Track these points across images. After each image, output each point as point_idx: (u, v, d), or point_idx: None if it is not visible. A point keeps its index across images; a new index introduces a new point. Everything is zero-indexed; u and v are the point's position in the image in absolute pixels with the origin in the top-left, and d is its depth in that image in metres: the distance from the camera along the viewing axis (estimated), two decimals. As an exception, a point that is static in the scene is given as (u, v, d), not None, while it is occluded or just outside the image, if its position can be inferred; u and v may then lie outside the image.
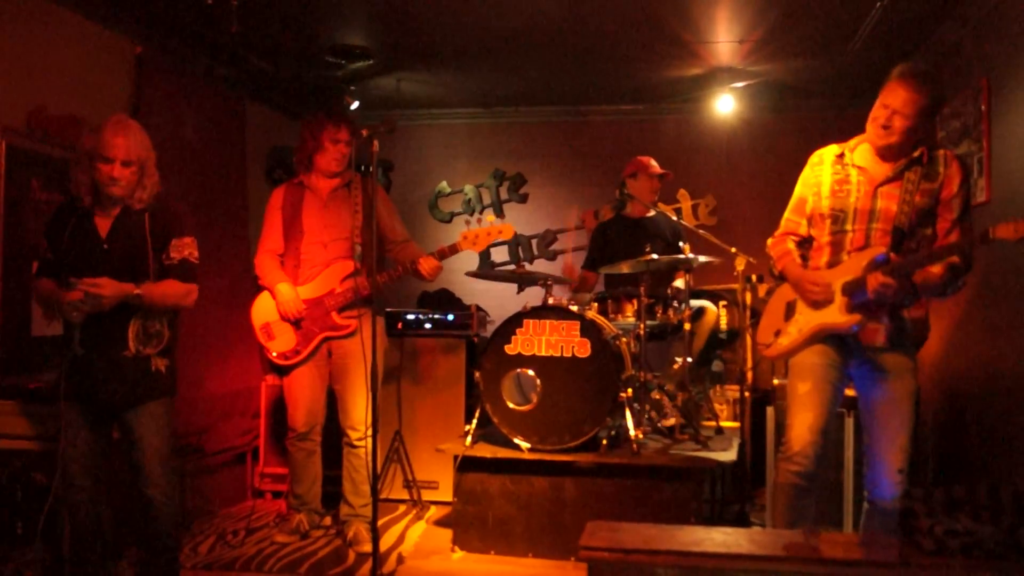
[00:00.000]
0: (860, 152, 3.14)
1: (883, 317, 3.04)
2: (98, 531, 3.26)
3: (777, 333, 3.28)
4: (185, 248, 3.28)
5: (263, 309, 4.33)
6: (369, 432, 4.19)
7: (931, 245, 3.04)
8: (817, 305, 3.11)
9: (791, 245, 3.29)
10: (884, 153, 3.07)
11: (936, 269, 2.94)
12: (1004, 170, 4.16)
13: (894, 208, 3.03)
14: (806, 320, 3.15)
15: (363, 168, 5.74)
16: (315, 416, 4.37)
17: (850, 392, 3.27)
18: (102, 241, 3.17)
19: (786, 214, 3.33)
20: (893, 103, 2.96)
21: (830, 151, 3.21)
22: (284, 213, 4.38)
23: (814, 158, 3.26)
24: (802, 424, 3.07)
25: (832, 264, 3.13)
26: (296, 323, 4.26)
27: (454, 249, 4.17)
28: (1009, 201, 4.06)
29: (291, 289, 4.23)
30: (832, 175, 3.16)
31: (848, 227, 3.09)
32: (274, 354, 4.31)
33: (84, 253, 3.14)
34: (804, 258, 3.27)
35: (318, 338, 4.26)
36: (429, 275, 4.21)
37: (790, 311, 3.25)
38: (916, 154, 3.02)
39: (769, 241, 3.38)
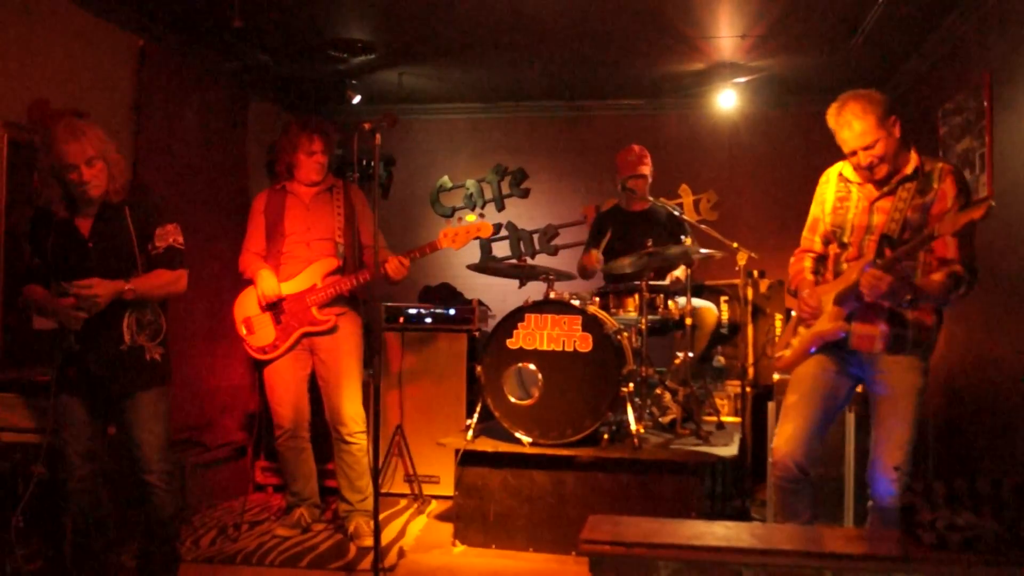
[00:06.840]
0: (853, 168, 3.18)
1: (879, 323, 3.04)
2: (100, 523, 3.27)
3: (787, 346, 3.35)
4: (169, 236, 3.27)
5: (245, 304, 4.35)
6: (362, 428, 4.26)
7: (923, 261, 3.02)
8: (806, 322, 3.20)
9: (808, 263, 3.34)
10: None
11: (937, 276, 2.94)
12: (1006, 166, 4.15)
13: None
14: (804, 331, 3.24)
15: (364, 162, 5.73)
16: (301, 412, 4.38)
17: (859, 389, 3.29)
18: (85, 241, 3.16)
19: (804, 231, 3.39)
20: (858, 142, 2.98)
21: (835, 170, 3.27)
22: (267, 217, 4.38)
23: (823, 177, 3.31)
24: (782, 435, 3.19)
25: (836, 276, 3.19)
26: (276, 317, 4.27)
27: (433, 247, 4.22)
28: (1011, 196, 4.05)
29: (272, 275, 4.25)
30: (835, 193, 3.23)
31: (846, 240, 3.15)
32: (253, 348, 4.32)
33: (69, 256, 3.14)
34: (817, 272, 3.31)
35: (297, 333, 4.26)
36: (395, 274, 4.20)
37: (796, 324, 3.32)
38: (909, 170, 3.03)
39: (792, 259, 3.42)
